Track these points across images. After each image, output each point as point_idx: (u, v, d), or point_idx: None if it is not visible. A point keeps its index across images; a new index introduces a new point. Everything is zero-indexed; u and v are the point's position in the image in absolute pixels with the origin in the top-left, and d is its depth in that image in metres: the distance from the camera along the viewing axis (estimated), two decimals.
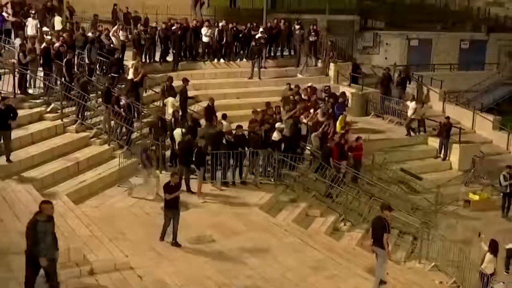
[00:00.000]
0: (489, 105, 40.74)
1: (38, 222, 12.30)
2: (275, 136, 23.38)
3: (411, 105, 30.56)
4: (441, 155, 29.42)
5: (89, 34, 29.11)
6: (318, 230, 20.47)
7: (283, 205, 21.68)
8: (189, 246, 17.33)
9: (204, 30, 33.09)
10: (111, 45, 29.17)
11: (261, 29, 34.34)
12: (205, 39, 33.26)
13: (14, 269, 13.36)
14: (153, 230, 17.99)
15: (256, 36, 33.82)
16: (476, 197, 25.95)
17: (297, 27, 36.00)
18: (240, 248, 17.50)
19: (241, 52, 35.01)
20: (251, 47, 33.52)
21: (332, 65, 35.03)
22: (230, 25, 34.31)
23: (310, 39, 34.77)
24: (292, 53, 36.40)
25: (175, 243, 17.12)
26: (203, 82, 32.06)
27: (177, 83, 27.42)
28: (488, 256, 17.95)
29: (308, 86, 30.01)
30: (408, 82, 34.94)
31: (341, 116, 27.79)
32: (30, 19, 29.31)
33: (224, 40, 33.84)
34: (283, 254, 17.37)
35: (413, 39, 44.10)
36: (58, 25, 31.05)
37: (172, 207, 17.07)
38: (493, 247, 18.01)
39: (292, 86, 29.49)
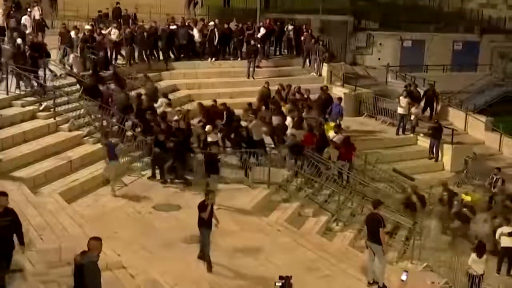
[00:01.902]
0: (481, 107, 40.85)
1: None
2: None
3: (404, 101, 30.56)
4: (433, 156, 29.49)
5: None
6: (311, 230, 20.45)
7: (275, 205, 21.66)
8: (182, 246, 17.31)
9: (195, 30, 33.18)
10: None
11: (262, 29, 34.44)
12: (196, 38, 33.28)
13: None
14: (145, 229, 18.02)
15: (258, 35, 33.96)
16: (468, 198, 25.93)
17: (290, 27, 36.06)
18: (233, 248, 17.49)
19: (236, 51, 34.99)
20: (248, 47, 33.53)
21: (325, 66, 34.99)
22: (225, 25, 34.40)
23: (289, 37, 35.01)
24: (284, 52, 36.46)
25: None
26: (196, 82, 32.04)
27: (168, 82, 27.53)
28: (472, 256, 18.02)
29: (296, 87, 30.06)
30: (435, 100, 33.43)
31: (330, 122, 28.01)
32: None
33: (217, 40, 33.83)
34: (276, 254, 17.36)
35: (406, 40, 44.20)
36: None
37: (208, 226, 16.16)
38: (479, 249, 18.07)
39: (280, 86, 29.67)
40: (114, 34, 30.80)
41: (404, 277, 13.41)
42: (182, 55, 33.40)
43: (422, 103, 32.30)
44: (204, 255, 16.20)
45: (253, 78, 33.22)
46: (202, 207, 16.10)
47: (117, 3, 36.55)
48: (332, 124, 27.84)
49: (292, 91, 29.78)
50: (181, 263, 16.34)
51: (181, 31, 32.81)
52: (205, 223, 16.04)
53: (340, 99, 30.35)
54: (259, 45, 33.81)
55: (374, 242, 16.09)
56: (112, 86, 26.49)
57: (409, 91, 31.82)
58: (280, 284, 12.83)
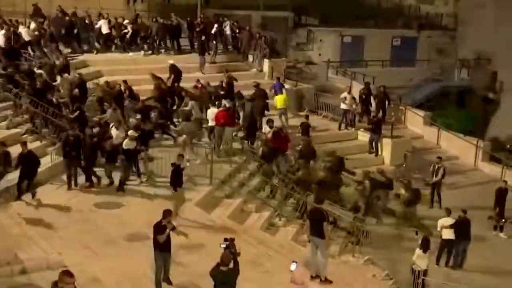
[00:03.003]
0: (420, 101, 41.54)
1: None
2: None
3: (347, 96, 30.86)
4: (373, 150, 29.91)
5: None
6: (254, 226, 20.53)
7: (218, 201, 21.66)
8: (124, 243, 17.20)
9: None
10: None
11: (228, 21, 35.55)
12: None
13: None
14: (87, 227, 17.87)
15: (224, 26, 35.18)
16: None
17: (226, 23, 36.11)
18: (176, 245, 17.36)
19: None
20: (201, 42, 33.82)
21: (266, 61, 35.08)
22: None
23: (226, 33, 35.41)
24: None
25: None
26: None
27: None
28: (417, 251, 18.30)
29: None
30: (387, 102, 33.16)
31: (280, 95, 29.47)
32: None
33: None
34: (218, 250, 17.33)
35: (346, 36, 44.65)
36: None
37: (165, 250, 14.86)
38: (424, 244, 18.34)
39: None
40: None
41: (293, 266, 13.60)
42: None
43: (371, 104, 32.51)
44: (156, 280, 14.86)
45: (203, 73, 33.14)
46: (158, 228, 14.63)
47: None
48: (281, 96, 29.64)
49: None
50: (125, 261, 16.24)
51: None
52: (161, 246, 14.68)
53: (278, 78, 31.64)
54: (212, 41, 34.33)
55: (318, 236, 16.22)
56: None
57: (368, 88, 32.48)
58: (224, 245, 13.26)
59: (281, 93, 30.22)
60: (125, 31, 34.54)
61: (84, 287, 14.51)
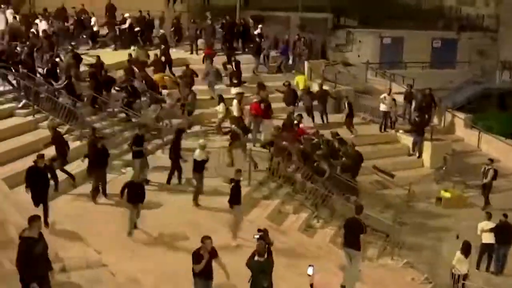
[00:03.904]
0: (460, 104, 41.08)
1: None
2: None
3: (387, 97, 30.67)
4: (416, 153, 29.59)
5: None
6: (291, 227, 20.48)
7: (256, 202, 21.65)
8: (163, 244, 17.27)
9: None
10: None
11: (260, 26, 35.60)
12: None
13: None
14: (125, 226, 17.93)
15: (255, 32, 34.93)
16: (448, 195, 26.14)
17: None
18: (214, 245, 17.43)
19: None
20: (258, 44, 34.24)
21: (305, 62, 35.02)
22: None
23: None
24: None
25: None
26: None
27: None
28: (458, 255, 18.06)
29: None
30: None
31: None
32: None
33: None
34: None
35: (385, 37, 44.36)
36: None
37: (205, 277, 13.68)
38: (465, 248, 18.06)
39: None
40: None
41: (310, 271, 13.50)
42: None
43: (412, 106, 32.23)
44: None
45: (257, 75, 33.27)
46: (195, 257, 13.52)
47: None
48: (301, 76, 31.67)
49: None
50: (162, 261, 16.30)
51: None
52: (200, 274, 13.61)
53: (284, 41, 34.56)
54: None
55: (353, 248, 15.79)
56: None
57: (410, 92, 32.10)
58: (258, 236, 13.28)
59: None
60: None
61: (122, 286, 14.66)
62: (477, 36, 47.55)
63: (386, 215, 23.15)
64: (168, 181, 21.72)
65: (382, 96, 30.99)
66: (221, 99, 26.86)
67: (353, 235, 15.68)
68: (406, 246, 20.83)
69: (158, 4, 39.18)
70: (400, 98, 31.84)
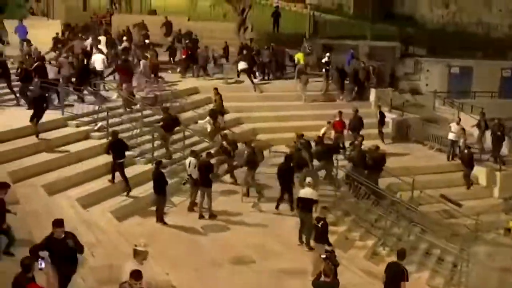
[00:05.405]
0: None
1: None
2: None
3: (455, 127, 30.47)
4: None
5: None
6: (357, 254, 20.48)
7: None
8: (229, 266, 17.55)
9: None
10: None
11: (328, 54, 35.97)
12: None
13: None
14: (193, 248, 18.30)
15: (323, 61, 35.55)
16: None
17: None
18: (279, 269, 17.65)
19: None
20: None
21: (372, 90, 35.15)
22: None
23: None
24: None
25: None
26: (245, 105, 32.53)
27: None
28: None
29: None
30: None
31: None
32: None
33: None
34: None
35: (453, 66, 43.99)
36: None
37: None
38: None
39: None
40: None
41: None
42: None
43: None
44: None
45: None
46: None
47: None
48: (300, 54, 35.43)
49: None
50: (230, 283, 16.56)
51: None
52: None
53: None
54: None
55: None
56: None
57: (484, 120, 31.86)
58: (325, 256, 13.59)
59: None
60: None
61: None
62: None
63: (452, 245, 22.94)
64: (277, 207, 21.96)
65: (450, 125, 30.82)
66: None
67: (393, 282, 14.73)
68: (473, 276, 20.60)
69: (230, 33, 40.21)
70: (469, 127, 31.57)
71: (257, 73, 35.14)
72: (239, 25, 40.80)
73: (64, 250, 12.76)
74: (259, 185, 23.28)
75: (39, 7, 47.94)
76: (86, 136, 23.89)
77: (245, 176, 23.27)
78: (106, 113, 24.63)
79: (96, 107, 25.65)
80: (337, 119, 28.78)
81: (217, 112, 27.77)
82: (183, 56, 34.83)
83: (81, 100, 26.36)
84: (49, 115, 23.80)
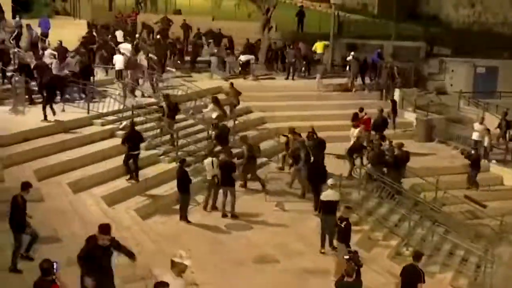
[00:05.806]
0: None
1: None
2: None
3: (478, 127, 30.31)
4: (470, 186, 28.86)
5: None
6: (380, 254, 20.45)
7: None
8: (253, 265, 17.62)
9: None
10: None
11: (352, 53, 36.44)
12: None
13: None
14: (217, 247, 18.39)
15: (347, 58, 36.63)
16: None
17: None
18: (302, 268, 17.70)
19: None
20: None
21: (397, 90, 35.07)
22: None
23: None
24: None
25: None
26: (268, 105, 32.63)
27: None
28: None
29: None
30: None
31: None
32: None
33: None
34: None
35: (479, 67, 43.68)
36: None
37: None
38: None
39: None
40: None
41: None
42: None
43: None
44: None
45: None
46: None
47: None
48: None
49: None
50: (254, 282, 16.65)
51: None
52: None
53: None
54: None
55: None
56: None
57: (505, 120, 31.71)
58: (348, 257, 13.59)
59: None
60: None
61: None
62: None
63: (476, 246, 22.81)
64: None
65: (474, 125, 30.66)
66: None
67: (410, 285, 14.60)
68: (497, 278, 20.48)
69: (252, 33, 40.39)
70: (493, 128, 31.36)
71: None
72: (264, 24, 40.75)
73: (107, 260, 12.10)
74: (262, 179, 23.86)
75: (65, 6, 48.30)
76: (111, 135, 24.13)
77: (244, 170, 23.87)
78: (131, 112, 24.81)
79: (121, 106, 25.83)
80: (365, 116, 29.00)
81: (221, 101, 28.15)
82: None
83: (85, 95, 26.42)
84: (74, 114, 24.09)
